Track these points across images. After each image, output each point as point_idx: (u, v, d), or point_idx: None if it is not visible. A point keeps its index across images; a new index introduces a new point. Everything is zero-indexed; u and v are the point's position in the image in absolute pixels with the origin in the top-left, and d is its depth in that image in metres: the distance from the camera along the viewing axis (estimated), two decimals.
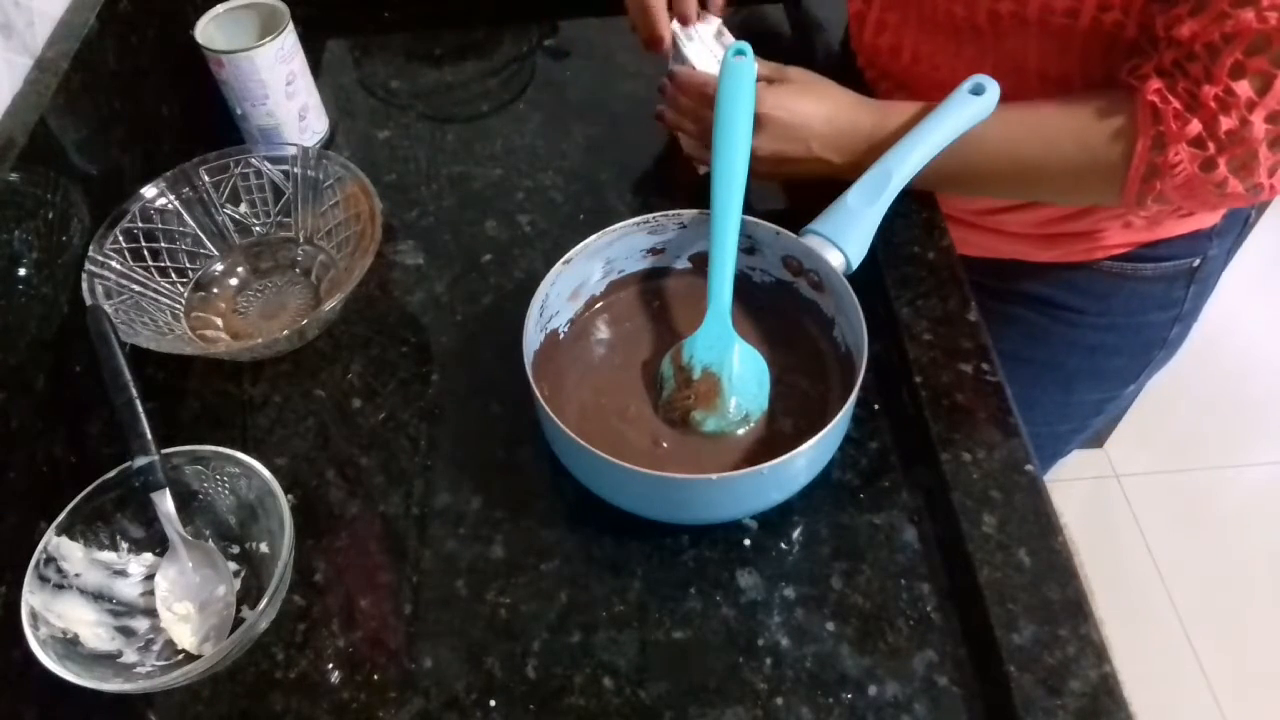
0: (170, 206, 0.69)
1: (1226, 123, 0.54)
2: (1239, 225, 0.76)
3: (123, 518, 0.54)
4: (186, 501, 0.55)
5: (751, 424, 0.58)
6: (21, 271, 0.58)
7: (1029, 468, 0.55)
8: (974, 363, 0.59)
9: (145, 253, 0.67)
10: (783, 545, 0.56)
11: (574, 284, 0.63)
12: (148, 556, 0.55)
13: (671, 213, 0.63)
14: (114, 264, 0.65)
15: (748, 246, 0.63)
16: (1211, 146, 0.55)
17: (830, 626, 0.52)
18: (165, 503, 0.54)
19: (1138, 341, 0.81)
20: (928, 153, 0.63)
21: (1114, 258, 0.74)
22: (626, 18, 0.72)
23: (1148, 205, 0.60)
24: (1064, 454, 1.00)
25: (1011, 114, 0.62)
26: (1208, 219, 0.72)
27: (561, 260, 0.60)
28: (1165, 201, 0.59)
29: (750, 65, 0.63)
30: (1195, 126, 0.54)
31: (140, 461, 0.53)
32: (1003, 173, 0.64)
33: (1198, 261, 0.75)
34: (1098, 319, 0.78)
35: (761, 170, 0.65)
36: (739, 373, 0.59)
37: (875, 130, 0.64)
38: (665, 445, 0.58)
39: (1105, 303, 0.77)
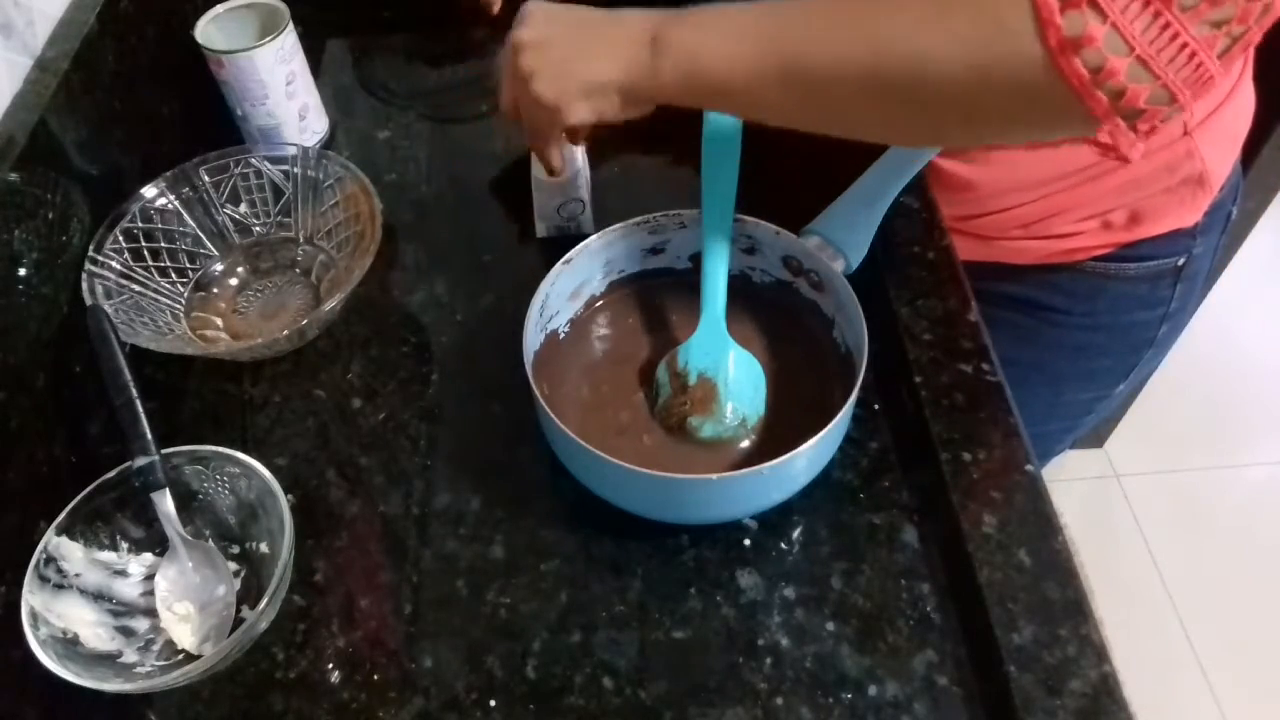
0: (170, 206, 0.69)
1: None
2: (1222, 222, 0.76)
3: (123, 518, 0.54)
4: (186, 501, 0.55)
5: (749, 429, 0.58)
6: (21, 271, 0.58)
7: (1029, 468, 0.55)
8: (974, 363, 0.59)
9: (145, 253, 0.67)
10: (783, 545, 0.56)
11: (574, 284, 0.63)
12: (148, 556, 0.55)
13: (671, 213, 0.62)
14: (114, 264, 0.65)
15: (748, 247, 0.63)
16: None
17: (830, 626, 0.52)
18: (165, 503, 0.54)
19: (1125, 341, 0.81)
20: (928, 153, 0.63)
21: (1096, 258, 0.74)
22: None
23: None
24: (1055, 454, 1.00)
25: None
26: (1188, 218, 0.72)
27: (561, 260, 0.60)
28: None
29: None
30: None
31: (140, 461, 0.53)
32: (853, 67, 0.47)
33: (1182, 260, 0.74)
34: (1083, 319, 0.78)
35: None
36: (735, 378, 0.58)
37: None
38: (665, 445, 0.58)
39: (1090, 303, 0.77)
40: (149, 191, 0.68)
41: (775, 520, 0.57)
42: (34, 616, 0.48)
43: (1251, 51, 0.71)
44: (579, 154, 0.67)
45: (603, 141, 0.81)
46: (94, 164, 0.67)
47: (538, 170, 0.67)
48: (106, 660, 0.50)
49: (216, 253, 0.72)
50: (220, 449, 0.55)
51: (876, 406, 0.61)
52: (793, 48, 0.48)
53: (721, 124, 0.62)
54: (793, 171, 0.78)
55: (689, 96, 0.52)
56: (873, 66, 0.46)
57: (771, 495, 0.55)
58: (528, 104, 0.56)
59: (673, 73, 0.51)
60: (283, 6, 0.75)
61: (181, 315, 0.68)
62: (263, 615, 0.49)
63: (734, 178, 0.61)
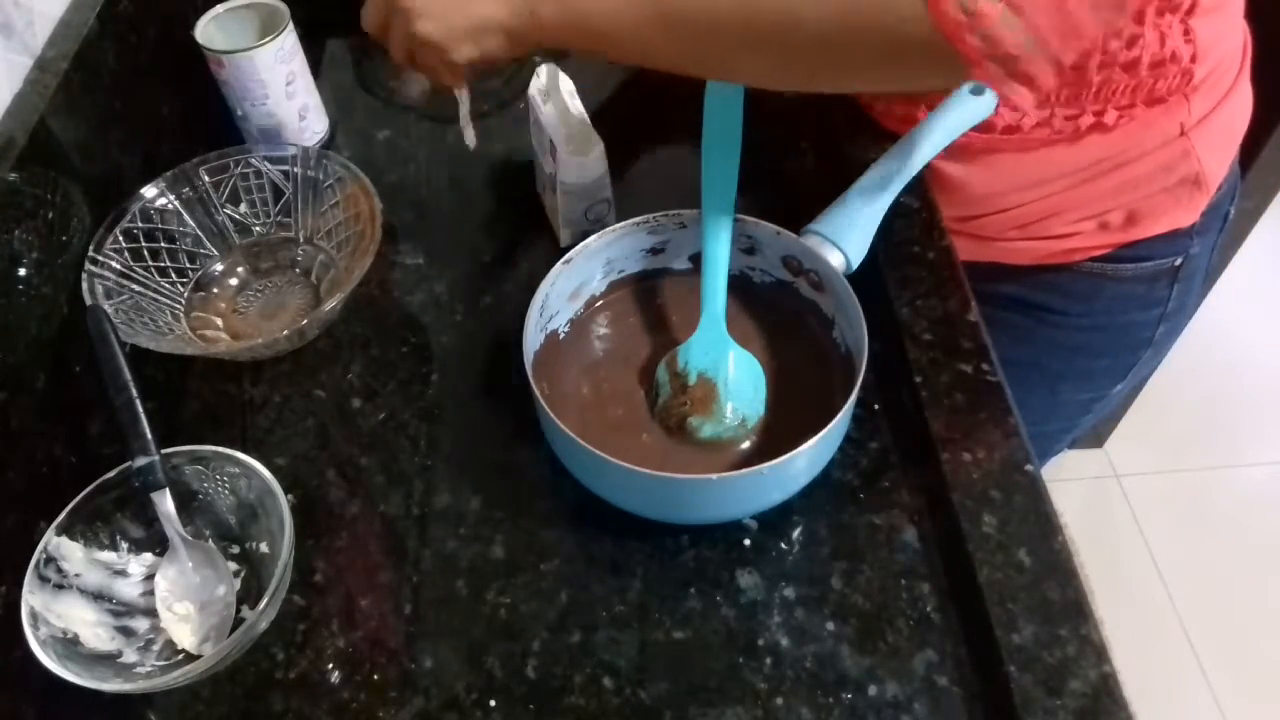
0: (170, 206, 0.69)
1: None
2: (1220, 222, 0.76)
3: (123, 518, 0.54)
4: (186, 501, 0.55)
5: (749, 429, 0.58)
6: (21, 271, 0.58)
7: (1029, 468, 0.54)
8: (974, 363, 0.59)
9: (145, 253, 0.67)
10: (783, 545, 0.56)
11: (574, 284, 0.63)
12: (148, 556, 0.55)
13: (671, 213, 0.63)
14: (114, 264, 0.65)
15: (748, 246, 0.63)
16: None
17: (830, 626, 0.52)
18: (165, 503, 0.54)
19: (1122, 342, 0.81)
20: (928, 153, 0.63)
21: (1093, 259, 0.74)
22: None
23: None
24: (1054, 453, 1.00)
25: None
26: (1185, 218, 0.72)
27: (561, 260, 0.60)
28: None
29: None
30: None
31: (140, 461, 0.53)
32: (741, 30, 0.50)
33: (1179, 261, 0.74)
34: (1080, 320, 0.78)
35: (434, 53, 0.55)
36: (735, 378, 0.58)
37: None
38: (665, 445, 0.58)
39: (1087, 304, 0.77)
40: (149, 191, 0.68)
41: (775, 520, 0.57)
42: (34, 616, 0.48)
43: (1249, 52, 0.71)
44: (600, 153, 0.67)
45: (604, 143, 0.81)
46: (94, 164, 0.67)
47: (565, 175, 0.66)
48: (106, 660, 0.50)
49: (216, 253, 0.72)
50: (220, 449, 0.55)
51: (876, 406, 0.61)
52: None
53: (722, 122, 0.62)
54: (793, 171, 0.78)
55: (572, 40, 0.53)
56: (748, 17, 0.48)
57: (771, 495, 0.55)
58: (413, 41, 0.56)
59: (555, 17, 0.52)
60: (283, 6, 0.75)
61: (181, 315, 0.68)
62: (263, 615, 0.49)
63: (734, 176, 0.61)
